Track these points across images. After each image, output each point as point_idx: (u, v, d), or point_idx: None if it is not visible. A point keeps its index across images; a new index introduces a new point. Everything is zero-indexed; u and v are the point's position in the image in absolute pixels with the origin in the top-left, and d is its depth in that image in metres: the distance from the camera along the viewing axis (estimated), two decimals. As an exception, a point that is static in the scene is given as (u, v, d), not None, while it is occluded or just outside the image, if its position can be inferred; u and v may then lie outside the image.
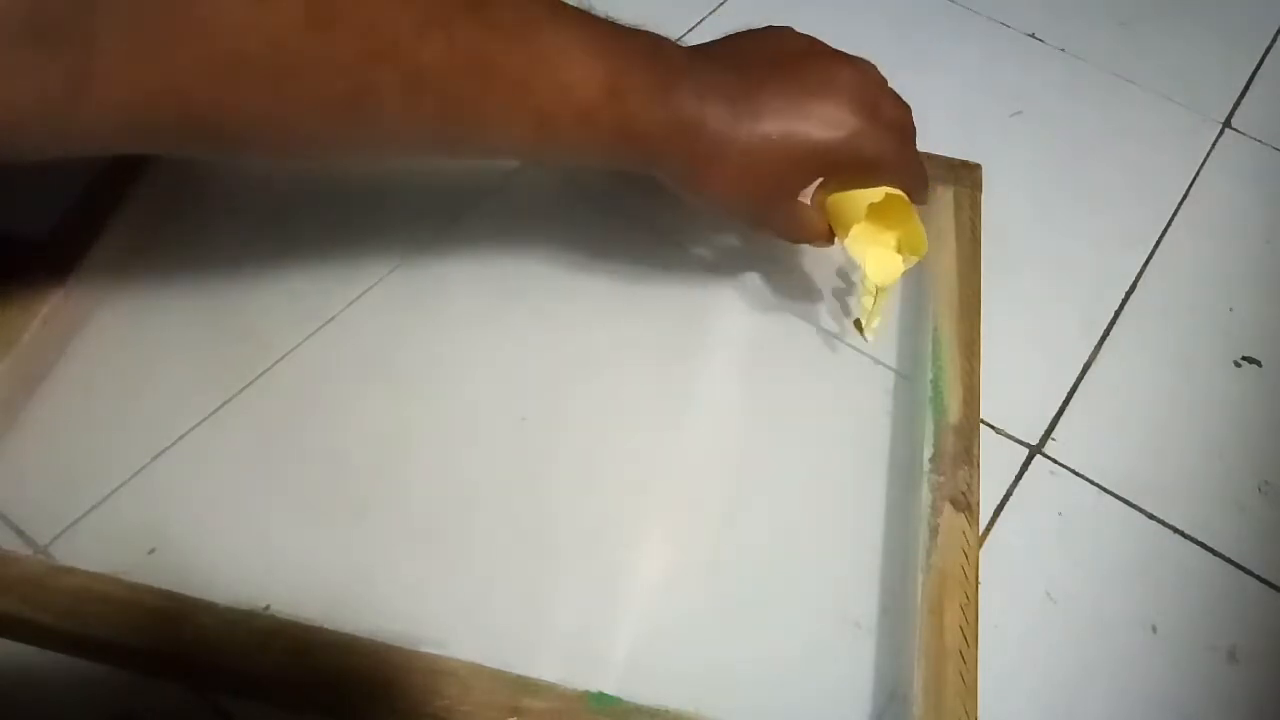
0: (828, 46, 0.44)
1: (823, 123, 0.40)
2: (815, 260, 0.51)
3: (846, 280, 0.51)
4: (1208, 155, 0.61)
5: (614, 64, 0.37)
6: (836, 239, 0.44)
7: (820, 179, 0.43)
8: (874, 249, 0.45)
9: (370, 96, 0.32)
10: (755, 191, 0.41)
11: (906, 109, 0.44)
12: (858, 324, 0.45)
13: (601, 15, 0.39)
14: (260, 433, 0.43)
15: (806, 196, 0.43)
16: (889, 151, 0.42)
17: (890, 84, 0.45)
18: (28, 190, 0.45)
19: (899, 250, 0.45)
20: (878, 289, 0.46)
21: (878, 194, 0.42)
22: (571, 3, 0.38)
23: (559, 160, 0.39)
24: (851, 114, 0.40)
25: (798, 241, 0.45)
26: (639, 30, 0.40)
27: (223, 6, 0.27)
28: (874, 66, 0.44)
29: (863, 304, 0.46)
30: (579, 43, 0.37)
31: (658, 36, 0.40)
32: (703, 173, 0.40)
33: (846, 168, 0.42)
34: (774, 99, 0.40)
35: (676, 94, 0.38)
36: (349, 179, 0.51)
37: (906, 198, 0.43)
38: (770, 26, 0.44)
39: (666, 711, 0.36)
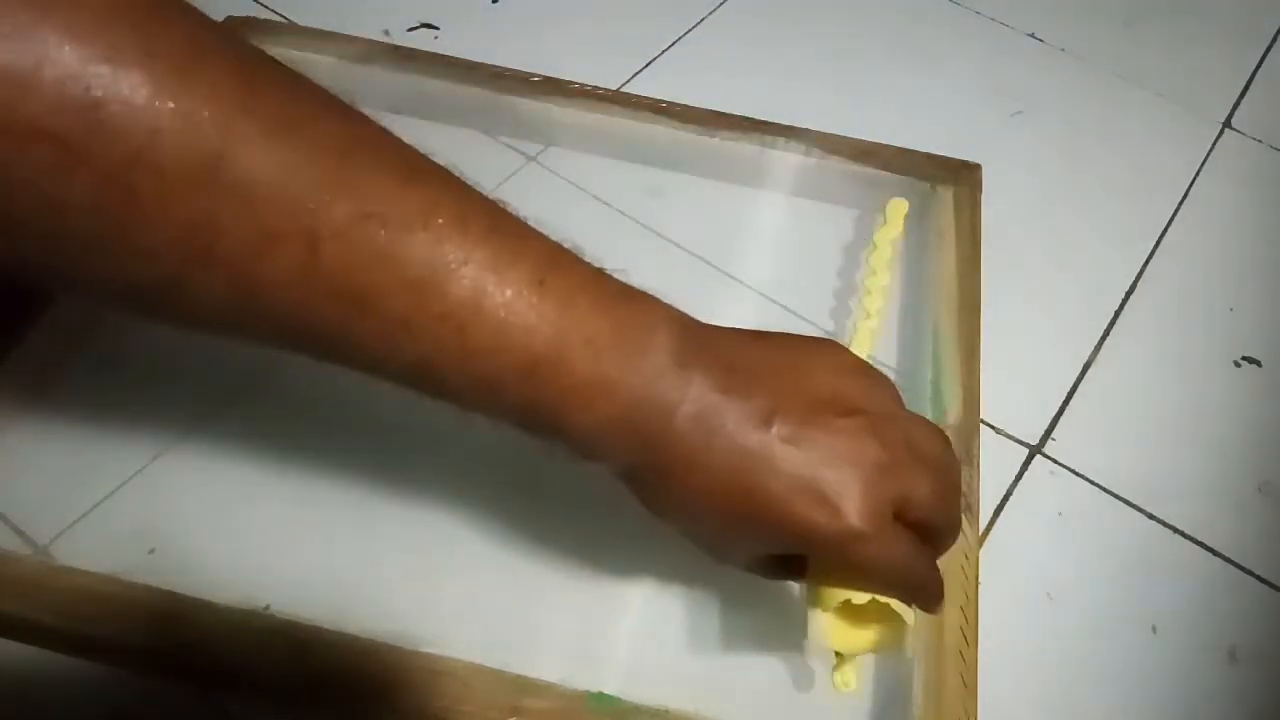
0: (889, 404, 0.33)
1: (815, 505, 0.30)
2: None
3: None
4: (1208, 155, 0.61)
5: (548, 341, 0.28)
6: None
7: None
8: (838, 640, 0.36)
9: (184, 294, 0.26)
10: (708, 530, 0.33)
11: (946, 509, 0.33)
12: (838, 658, 0.37)
13: (597, 266, 0.30)
14: (261, 432, 0.43)
15: None
16: (893, 565, 0.31)
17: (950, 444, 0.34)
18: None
19: (874, 647, 0.36)
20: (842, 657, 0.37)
21: (861, 598, 0.33)
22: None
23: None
24: (857, 510, 0.30)
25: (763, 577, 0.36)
26: (633, 298, 0.31)
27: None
28: (937, 437, 0.33)
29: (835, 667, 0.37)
30: (510, 305, 0.28)
31: (656, 311, 0.31)
32: (645, 485, 0.32)
33: (830, 567, 0.32)
34: (771, 444, 0.30)
35: (631, 395, 0.29)
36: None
37: (899, 605, 0.33)
38: (830, 344, 0.34)
39: (667, 712, 0.36)
